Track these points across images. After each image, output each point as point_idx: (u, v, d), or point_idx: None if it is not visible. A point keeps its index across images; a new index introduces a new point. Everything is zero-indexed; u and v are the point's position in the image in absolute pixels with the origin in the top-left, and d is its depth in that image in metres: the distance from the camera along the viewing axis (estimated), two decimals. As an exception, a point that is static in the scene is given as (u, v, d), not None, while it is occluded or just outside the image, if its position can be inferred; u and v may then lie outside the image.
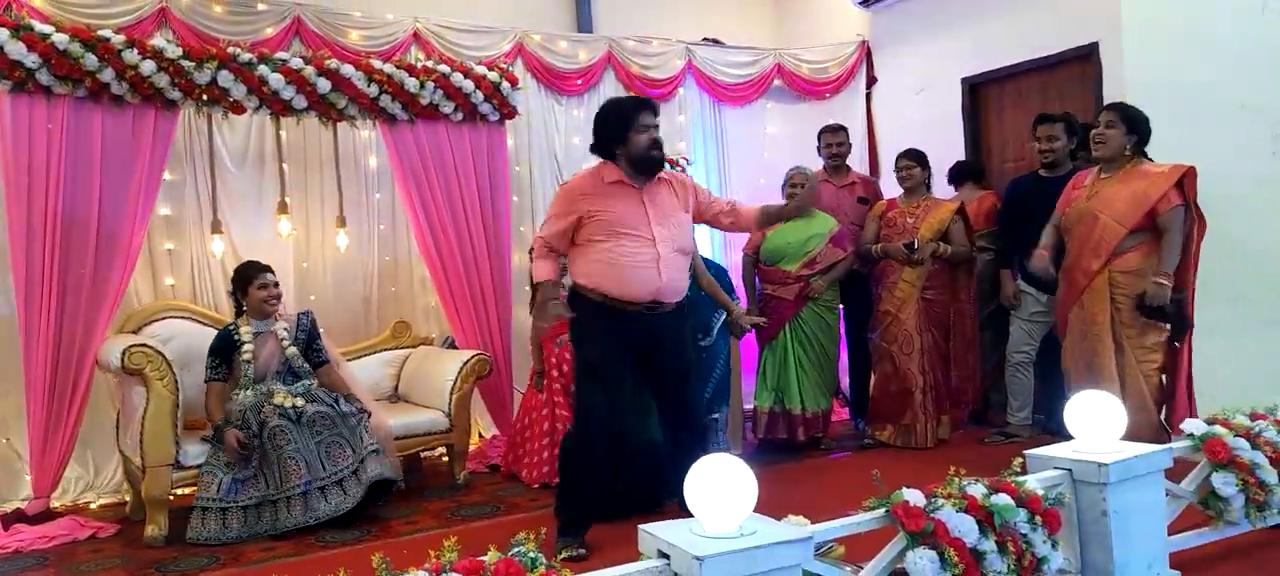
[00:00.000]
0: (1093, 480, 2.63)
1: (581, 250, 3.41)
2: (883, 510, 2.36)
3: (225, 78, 4.18)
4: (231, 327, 4.11)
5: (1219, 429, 3.08)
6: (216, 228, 4.61)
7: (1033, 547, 2.45)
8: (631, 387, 3.58)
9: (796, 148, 5.86)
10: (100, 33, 3.97)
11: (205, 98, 4.19)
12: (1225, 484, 2.96)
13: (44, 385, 3.91)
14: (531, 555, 1.93)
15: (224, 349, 4.05)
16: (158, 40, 4.17)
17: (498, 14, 5.73)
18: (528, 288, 5.02)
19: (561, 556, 3.14)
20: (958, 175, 5.52)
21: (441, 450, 4.76)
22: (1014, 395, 4.81)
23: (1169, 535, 2.82)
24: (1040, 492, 2.54)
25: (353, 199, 5.09)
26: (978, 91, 5.84)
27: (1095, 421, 2.77)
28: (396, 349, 5.13)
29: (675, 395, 3.55)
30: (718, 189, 6.25)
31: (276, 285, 4.16)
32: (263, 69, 4.26)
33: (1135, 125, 3.99)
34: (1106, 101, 4.57)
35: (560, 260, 3.54)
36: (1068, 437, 2.88)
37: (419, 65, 4.85)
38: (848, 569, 2.31)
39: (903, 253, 4.78)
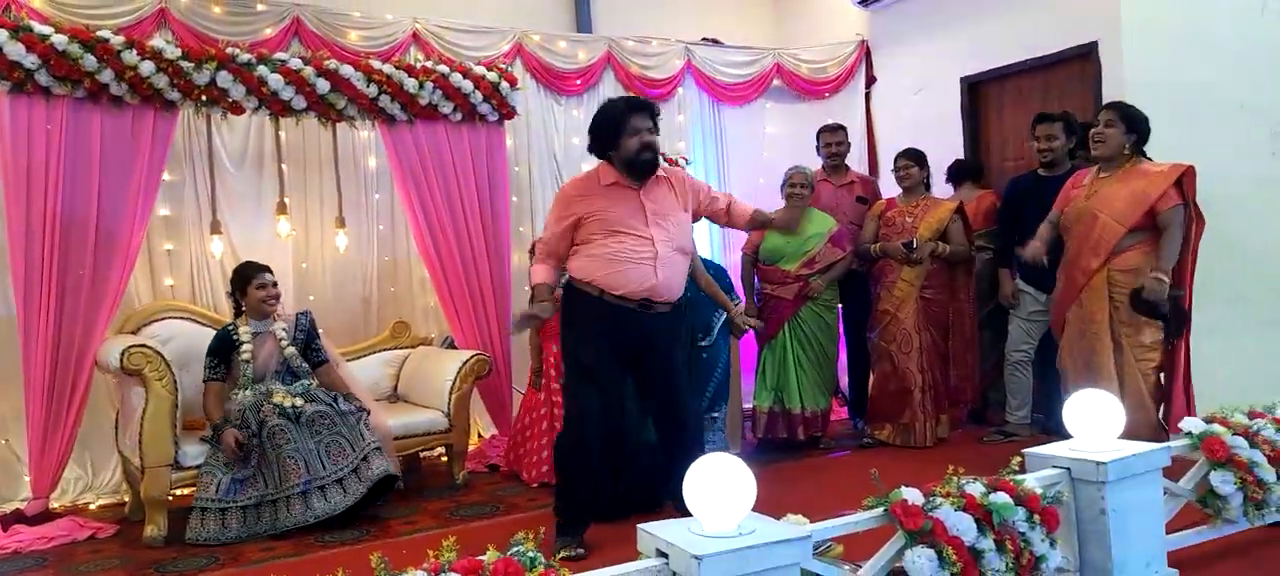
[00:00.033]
0: (1091, 478, 2.64)
1: (580, 248, 3.41)
2: (881, 509, 2.36)
3: (224, 78, 4.18)
4: (230, 328, 4.11)
5: (1217, 427, 3.08)
6: (216, 228, 4.61)
7: (1031, 546, 2.45)
8: (627, 388, 3.57)
9: (796, 147, 5.85)
10: (99, 33, 3.97)
11: (204, 98, 4.19)
12: (1223, 482, 2.96)
13: (43, 385, 3.91)
14: (530, 555, 1.93)
15: (222, 349, 4.05)
16: (157, 41, 4.17)
17: (497, 14, 5.73)
18: (527, 289, 5.00)
19: (560, 556, 3.14)
20: (956, 174, 5.52)
21: (440, 450, 4.76)
22: (1012, 394, 4.81)
23: (1167, 533, 2.82)
24: (1039, 491, 2.54)
25: (352, 199, 5.09)
26: (977, 91, 5.84)
27: (1093, 420, 2.77)
28: (396, 349, 5.13)
29: (666, 397, 3.54)
30: (717, 188, 6.23)
31: (275, 285, 4.16)
32: (262, 69, 4.26)
33: (1134, 124, 3.99)
34: (1105, 101, 4.57)
35: (559, 266, 3.53)
36: (1066, 436, 2.88)
37: (418, 66, 4.85)
38: (846, 568, 2.31)
39: (901, 252, 4.79)
